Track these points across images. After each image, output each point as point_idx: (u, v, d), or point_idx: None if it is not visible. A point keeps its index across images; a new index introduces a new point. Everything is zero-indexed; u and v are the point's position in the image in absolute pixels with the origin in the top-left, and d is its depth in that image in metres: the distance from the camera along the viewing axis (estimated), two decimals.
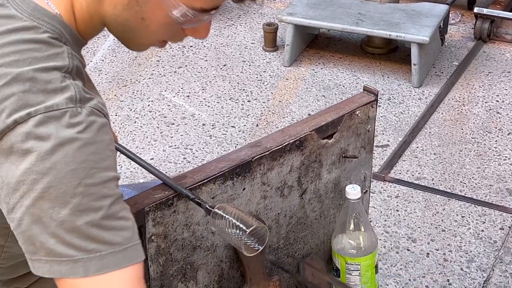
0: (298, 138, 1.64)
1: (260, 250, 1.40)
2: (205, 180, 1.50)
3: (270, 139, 1.63)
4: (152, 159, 3.09)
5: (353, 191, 1.73)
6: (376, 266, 1.83)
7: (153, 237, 1.46)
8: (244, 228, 1.36)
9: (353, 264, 1.78)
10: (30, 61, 1.04)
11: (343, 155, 1.76)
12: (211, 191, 1.52)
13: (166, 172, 2.82)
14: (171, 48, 3.97)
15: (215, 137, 3.22)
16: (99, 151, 1.07)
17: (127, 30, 1.18)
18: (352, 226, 1.78)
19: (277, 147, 1.61)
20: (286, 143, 1.62)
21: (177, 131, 3.29)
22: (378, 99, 3.45)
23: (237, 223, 1.37)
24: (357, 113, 1.75)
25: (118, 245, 1.06)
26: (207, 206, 1.42)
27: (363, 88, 1.82)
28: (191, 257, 1.55)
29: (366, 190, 1.89)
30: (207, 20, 1.18)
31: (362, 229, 1.78)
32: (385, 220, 2.75)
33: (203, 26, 1.19)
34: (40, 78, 1.04)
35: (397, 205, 2.83)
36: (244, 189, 1.58)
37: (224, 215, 1.38)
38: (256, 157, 1.57)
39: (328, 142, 1.71)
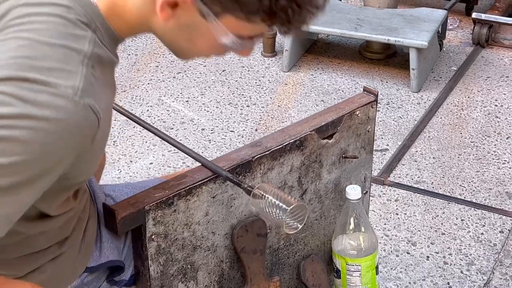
0: (298, 138, 1.64)
1: (300, 228, 1.42)
2: (206, 180, 1.50)
3: (270, 139, 1.63)
4: (151, 163, 3.08)
5: (353, 192, 1.73)
6: (377, 267, 1.83)
7: (153, 237, 1.46)
8: (285, 207, 1.39)
9: (353, 265, 1.78)
10: (52, 33, 1.08)
11: (343, 155, 1.76)
12: (211, 190, 1.52)
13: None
14: (169, 53, 3.94)
15: (214, 141, 3.22)
16: (53, 150, 1.07)
17: (175, 45, 1.23)
18: (352, 227, 1.78)
19: (278, 147, 1.61)
20: (287, 143, 1.62)
21: (176, 135, 3.28)
22: (378, 104, 3.47)
23: (278, 202, 1.39)
24: (357, 113, 1.75)
25: None
26: (247, 186, 1.45)
27: (363, 88, 1.82)
28: (192, 257, 1.54)
29: (366, 191, 1.89)
30: (251, 45, 1.22)
31: (363, 230, 1.78)
32: (385, 224, 2.74)
33: (247, 49, 1.23)
34: (53, 52, 1.07)
35: (397, 209, 2.83)
36: None
37: (264, 194, 1.41)
38: (256, 157, 1.58)
39: (328, 142, 1.71)
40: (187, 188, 1.47)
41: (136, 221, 1.43)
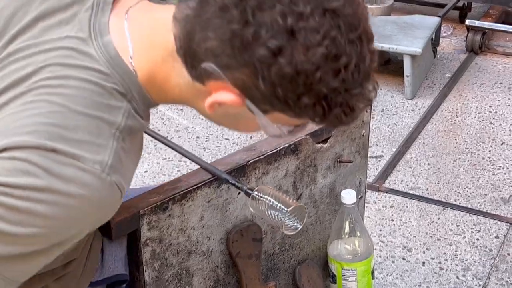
0: (293, 142, 1.64)
1: (299, 228, 1.43)
2: (200, 184, 1.50)
3: (265, 143, 1.63)
4: (146, 171, 3.08)
5: (348, 196, 1.73)
6: (373, 272, 1.83)
7: (148, 242, 1.45)
8: (284, 208, 1.40)
9: (349, 270, 1.78)
10: (87, 102, 1.05)
11: (338, 160, 1.76)
12: (206, 195, 1.51)
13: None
14: None
15: (209, 149, 3.21)
16: (74, 225, 1.06)
17: (214, 121, 1.20)
18: (347, 232, 1.78)
19: (272, 151, 1.61)
20: (281, 147, 1.62)
21: None
22: (372, 111, 3.47)
23: (277, 204, 1.40)
24: None
25: None
26: (246, 189, 1.46)
27: None
28: (187, 262, 1.54)
29: (362, 196, 1.89)
30: (297, 132, 1.21)
31: (358, 234, 1.78)
32: (380, 230, 2.74)
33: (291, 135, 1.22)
34: (85, 123, 1.04)
35: (392, 215, 2.82)
36: (239, 193, 1.57)
37: (263, 196, 1.42)
38: (251, 161, 1.57)
39: (323, 146, 1.71)
40: (182, 192, 1.47)
41: (130, 226, 1.42)
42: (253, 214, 1.62)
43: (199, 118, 3.45)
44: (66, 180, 1.00)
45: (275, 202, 1.40)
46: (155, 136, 1.67)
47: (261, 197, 1.42)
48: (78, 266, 1.39)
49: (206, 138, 3.30)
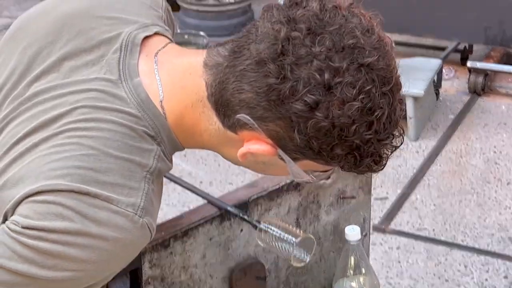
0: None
1: (308, 260, 1.44)
2: (202, 221, 1.49)
3: (266, 179, 1.62)
4: None
5: (352, 232, 1.70)
6: None
7: (149, 280, 1.44)
8: (292, 239, 1.40)
9: None
10: (119, 145, 1.06)
11: (341, 196, 1.74)
12: (208, 232, 1.50)
13: None
14: None
15: (213, 194, 3.20)
16: (106, 267, 1.07)
17: (239, 164, 1.19)
18: (353, 269, 1.75)
19: (274, 187, 1.60)
20: (283, 183, 1.61)
21: (174, 189, 3.26)
22: None
23: (285, 235, 1.41)
24: None
25: None
26: (253, 222, 1.47)
27: None
28: None
29: (366, 233, 1.87)
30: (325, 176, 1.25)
31: (363, 272, 1.75)
32: (387, 272, 2.72)
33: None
34: (118, 166, 1.05)
35: (399, 256, 2.80)
36: (241, 230, 1.56)
37: (271, 228, 1.43)
38: (253, 198, 1.56)
39: (326, 182, 1.69)
40: (184, 229, 1.46)
41: (132, 264, 1.40)
42: (256, 252, 1.61)
43: (202, 163, 3.46)
44: (100, 223, 1.01)
45: (283, 234, 1.41)
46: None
47: (269, 229, 1.43)
48: None
49: (210, 183, 3.30)
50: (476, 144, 3.58)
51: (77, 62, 1.14)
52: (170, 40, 1.21)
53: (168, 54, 1.16)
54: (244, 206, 1.55)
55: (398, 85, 1.09)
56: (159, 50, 1.16)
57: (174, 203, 3.16)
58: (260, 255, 1.62)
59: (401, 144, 1.11)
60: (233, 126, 1.09)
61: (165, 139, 1.11)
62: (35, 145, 1.06)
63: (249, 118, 1.05)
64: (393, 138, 1.08)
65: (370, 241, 2.75)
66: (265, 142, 1.07)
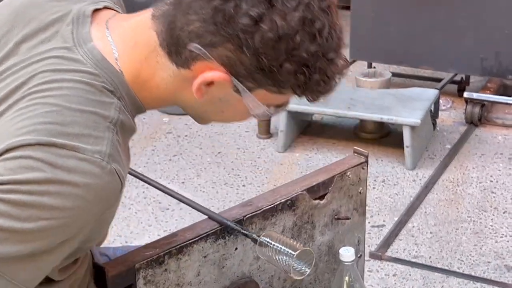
0: (289, 197, 1.64)
1: (308, 272, 1.44)
2: (196, 238, 1.49)
3: (261, 198, 1.63)
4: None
5: (347, 253, 1.70)
6: None
7: None
8: (291, 252, 1.41)
9: None
10: (80, 100, 1.11)
11: (336, 216, 1.75)
12: (203, 249, 1.50)
13: None
14: (166, 138, 4.01)
15: None
16: (79, 215, 1.08)
17: (201, 115, 1.27)
18: None
19: (269, 206, 1.60)
20: (278, 202, 1.61)
21: (172, 216, 3.28)
22: (373, 181, 3.48)
23: (284, 249, 1.42)
24: (348, 174, 1.75)
25: None
26: (253, 235, 1.48)
27: (353, 150, 1.83)
28: None
29: (361, 254, 1.87)
30: (280, 111, 1.28)
31: None
32: None
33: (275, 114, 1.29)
34: (81, 118, 1.09)
35: (395, 284, 2.80)
36: (236, 248, 1.56)
37: (270, 242, 1.44)
38: (247, 216, 1.57)
39: (320, 202, 1.71)
40: (178, 246, 1.46)
41: (126, 280, 1.41)
42: (250, 271, 1.61)
43: (201, 191, 3.47)
44: (70, 171, 1.05)
45: (282, 247, 1.42)
46: (163, 189, 1.71)
47: (269, 242, 1.44)
48: None
49: (209, 207, 3.29)
50: (473, 173, 3.59)
51: (34, 41, 1.20)
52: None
53: (118, 20, 1.23)
54: (239, 224, 1.56)
55: (336, 10, 1.17)
56: (109, 18, 1.23)
57: (171, 229, 3.15)
58: (255, 274, 1.62)
59: (347, 68, 1.19)
60: (186, 62, 1.15)
61: (124, 95, 1.17)
62: (1, 113, 1.12)
63: (200, 47, 1.12)
64: (338, 58, 1.16)
65: (367, 268, 2.76)
66: (218, 69, 1.13)
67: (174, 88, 1.20)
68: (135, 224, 3.22)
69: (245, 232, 1.50)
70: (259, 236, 1.46)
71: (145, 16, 1.19)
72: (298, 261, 1.42)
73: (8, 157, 1.05)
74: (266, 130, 3.97)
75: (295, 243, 1.43)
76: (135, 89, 1.19)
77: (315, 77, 1.13)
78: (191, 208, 3.36)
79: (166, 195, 3.35)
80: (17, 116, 1.09)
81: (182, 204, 3.28)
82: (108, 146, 1.10)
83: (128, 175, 1.81)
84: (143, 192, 3.47)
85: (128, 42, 1.19)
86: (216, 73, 1.14)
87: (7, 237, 1.03)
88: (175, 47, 1.15)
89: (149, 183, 1.70)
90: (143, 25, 1.18)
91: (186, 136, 4.02)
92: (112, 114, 1.13)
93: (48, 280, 1.26)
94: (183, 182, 3.55)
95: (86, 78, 1.13)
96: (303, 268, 1.44)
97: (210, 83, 1.15)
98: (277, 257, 1.43)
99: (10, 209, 1.02)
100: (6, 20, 1.24)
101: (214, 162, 3.75)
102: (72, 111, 1.09)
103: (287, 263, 1.42)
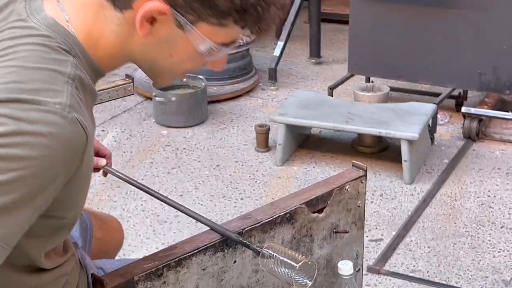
0: (288, 211, 1.64)
1: (310, 284, 1.45)
2: (195, 251, 1.49)
3: (260, 212, 1.63)
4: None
5: (345, 267, 1.71)
6: None
7: None
8: (293, 264, 1.43)
9: None
10: (36, 59, 1.16)
11: (334, 230, 1.76)
12: (201, 262, 1.50)
13: None
14: (164, 150, 4.01)
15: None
16: (48, 164, 1.11)
17: (155, 65, 1.30)
18: None
19: (268, 219, 1.61)
20: (277, 216, 1.62)
21: (170, 228, 3.28)
22: (371, 195, 3.48)
23: (286, 260, 1.44)
24: (347, 187, 1.76)
25: None
26: (255, 247, 1.50)
27: (352, 164, 1.84)
28: None
29: (359, 268, 1.88)
30: (226, 53, 1.30)
31: None
32: None
33: (221, 59, 1.33)
34: (39, 75, 1.14)
35: None
36: (235, 261, 1.56)
37: (273, 254, 1.46)
38: (246, 229, 1.57)
39: (319, 216, 1.71)
40: (177, 259, 1.47)
41: None
42: (249, 284, 1.61)
43: (199, 203, 3.46)
44: (33, 122, 1.09)
45: (284, 259, 1.44)
46: (165, 200, 1.72)
47: (271, 254, 1.46)
48: None
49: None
50: (471, 188, 3.60)
51: None
52: None
53: None
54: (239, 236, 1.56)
55: None
56: None
57: (169, 242, 3.15)
58: (254, 287, 1.62)
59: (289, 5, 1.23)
60: (127, 1, 1.20)
61: (80, 55, 1.22)
62: None
63: None
64: None
65: (365, 282, 2.76)
66: (156, 1, 1.18)
67: (123, 37, 1.24)
68: (133, 237, 3.21)
69: (248, 243, 1.51)
70: (261, 248, 1.47)
71: None
72: (300, 273, 1.44)
73: None
74: (264, 144, 3.97)
75: (297, 255, 1.45)
76: (91, 51, 1.24)
77: (251, 1, 1.18)
78: (189, 221, 3.39)
79: (164, 208, 3.35)
80: None
81: (180, 217, 3.32)
82: (68, 98, 1.14)
83: (133, 187, 1.85)
84: (141, 204, 3.47)
85: (77, 5, 1.24)
86: (155, 3, 1.18)
87: None
88: None
89: (153, 195, 1.71)
90: None
91: (184, 149, 4.03)
92: (69, 71, 1.18)
93: (37, 269, 1.29)
94: (181, 195, 3.54)
95: (40, 40, 1.18)
96: (304, 280, 1.45)
97: (153, 20, 1.20)
98: (279, 269, 1.45)
99: None
100: None
101: (212, 175, 3.75)
102: (30, 69, 1.14)
103: (289, 275, 1.43)
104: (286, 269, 1.43)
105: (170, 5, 1.19)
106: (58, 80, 1.15)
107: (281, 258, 1.44)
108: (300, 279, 1.44)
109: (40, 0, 1.25)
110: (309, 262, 1.45)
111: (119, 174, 1.78)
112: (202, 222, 1.61)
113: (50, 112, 1.11)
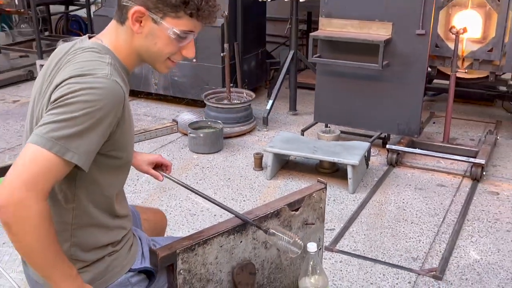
0: (276, 209, 1.64)
1: (299, 253, 1.52)
2: (216, 234, 1.49)
3: (258, 210, 1.63)
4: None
5: (311, 246, 1.70)
6: None
7: (181, 271, 1.43)
8: (289, 240, 1.50)
9: None
10: (88, 57, 1.29)
11: (305, 222, 1.75)
12: (220, 242, 1.50)
13: None
14: (194, 168, 3.99)
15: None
16: (102, 105, 1.20)
17: (148, 53, 1.36)
18: (311, 271, 1.74)
19: (263, 214, 1.60)
20: (269, 212, 1.62)
21: (197, 219, 3.26)
22: (326, 200, 3.45)
23: (285, 237, 1.51)
24: (314, 195, 1.76)
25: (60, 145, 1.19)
26: (265, 228, 1.54)
27: (317, 180, 1.84)
28: (206, 287, 1.50)
29: (321, 248, 1.87)
30: (190, 40, 1.35)
31: (318, 272, 1.74)
32: (333, 277, 2.68)
33: (189, 46, 1.36)
34: (92, 64, 1.27)
35: (341, 267, 2.77)
36: (241, 241, 1.56)
37: (276, 233, 1.52)
38: (251, 220, 1.57)
39: (296, 213, 1.71)
40: (204, 239, 1.46)
41: (171, 259, 1.41)
42: (249, 256, 1.60)
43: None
44: (90, 82, 1.22)
45: (283, 236, 1.49)
46: (201, 194, 1.69)
47: (275, 233, 1.50)
48: (123, 251, 1.38)
49: (220, 215, 3.28)
50: (391, 197, 3.58)
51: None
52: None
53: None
54: (243, 226, 1.55)
55: None
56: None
57: (197, 228, 3.13)
58: (253, 258, 1.62)
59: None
60: (125, 14, 1.30)
61: (112, 57, 1.33)
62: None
63: (126, 0, 1.29)
64: None
65: (324, 257, 2.74)
66: (137, 7, 1.28)
67: (129, 40, 1.33)
68: (173, 225, 3.19)
69: (260, 226, 1.52)
70: (269, 229, 1.50)
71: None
72: (293, 245, 1.49)
73: (59, 87, 1.24)
74: (259, 165, 3.96)
75: (292, 234, 1.49)
76: (117, 54, 1.34)
77: None
78: (210, 214, 3.34)
79: (194, 205, 3.30)
80: (61, 72, 1.29)
81: (204, 212, 3.29)
82: (109, 71, 1.25)
83: (176, 189, 1.83)
84: (179, 203, 3.45)
85: (106, 32, 1.38)
86: (136, 8, 1.28)
87: (67, 124, 1.17)
88: (119, 12, 1.31)
89: (198, 194, 1.69)
90: (110, 23, 1.39)
91: (208, 167, 4.01)
92: (108, 61, 1.29)
93: (110, 213, 1.34)
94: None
95: (90, 50, 1.32)
96: (295, 250, 1.49)
97: (140, 22, 1.28)
98: (280, 242, 1.49)
99: (64, 109, 1.18)
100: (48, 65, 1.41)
101: (225, 185, 3.74)
102: (86, 62, 1.27)
103: (286, 246, 1.48)
104: (285, 243, 1.48)
105: (146, 8, 1.26)
106: (102, 64, 1.27)
107: (282, 236, 1.49)
108: (293, 249, 1.49)
109: (88, 39, 1.38)
110: (298, 240, 1.49)
111: (175, 179, 1.73)
112: (231, 212, 1.59)
113: (100, 77, 1.22)
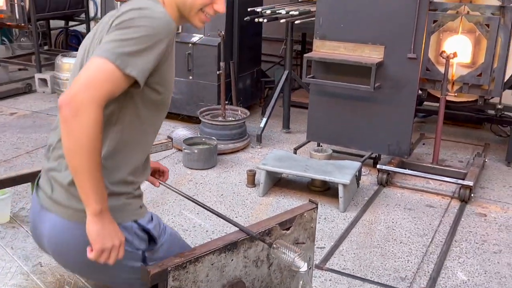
0: (267, 228, 1.63)
1: (302, 267, 1.51)
2: (208, 252, 1.48)
3: (250, 228, 1.62)
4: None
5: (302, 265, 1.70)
6: None
7: None
8: (292, 254, 1.49)
9: None
10: (146, 2, 1.39)
11: (296, 241, 1.75)
12: (211, 259, 1.49)
13: None
14: (188, 184, 3.98)
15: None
16: (158, 30, 1.33)
17: (184, 4, 1.48)
18: None
19: (255, 234, 1.60)
20: (260, 231, 1.61)
21: (189, 234, 3.23)
22: (317, 219, 3.44)
23: (287, 252, 1.50)
24: (305, 214, 1.76)
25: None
26: (269, 242, 1.55)
27: (308, 200, 1.83)
28: None
29: (310, 267, 1.86)
30: None
31: None
32: None
33: (220, 1, 1.49)
34: (149, 3, 1.39)
35: (330, 286, 2.75)
36: (232, 259, 1.55)
37: (280, 247, 1.52)
38: (240, 239, 1.56)
39: (287, 232, 1.70)
40: (196, 257, 1.45)
41: (162, 277, 1.40)
42: (240, 275, 1.59)
43: (209, 219, 3.43)
44: (150, 12, 1.35)
45: (287, 251, 1.49)
46: (201, 204, 1.69)
47: (278, 247, 1.50)
48: (139, 201, 1.49)
49: (212, 231, 3.26)
50: (381, 216, 3.58)
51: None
52: None
53: None
54: (234, 244, 1.54)
55: None
56: None
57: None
58: (243, 276, 1.61)
59: None
60: None
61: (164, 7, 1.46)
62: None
63: None
64: None
65: (313, 273, 2.72)
66: None
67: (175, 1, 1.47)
68: None
69: (264, 239, 1.53)
70: (272, 243, 1.50)
71: None
72: (296, 260, 1.49)
73: (120, 15, 1.35)
74: (252, 182, 3.95)
75: (296, 249, 1.48)
76: (168, 9, 1.45)
77: None
78: (201, 230, 3.31)
79: (186, 222, 3.27)
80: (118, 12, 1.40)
81: (196, 227, 3.27)
82: (164, 9, 1.37)
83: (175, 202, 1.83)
84: (172, 219, 3.42)
85: None
86: None
87: (128, 43, 1.29)
88: None
89: (189, 198, 1.69)
90: None
91: (201, 183, 4.00)
92: (161, 5, 1.42)
93: (136, 108, 1.42)
94: (197, 213, 3.51)
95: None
96: (300, 264, 1.50)
97: None
98: (283, 256, 1.48)
99: (126, 31, 1.30)
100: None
101: (218, 201, 3.72)
102: (144, 1, 1.38)
103: (290, 260, 1.48)
104: (288, 257, 1.48)
105: None
106: (158, 5, 1.39)
107: (285, 250, 1.48)
108: (296, 263, 1.48)
109: None
110: (302, 253, 1.49)
111: (172, 187, 1.74)
112: (235, 225, 1.60)
113: (157, 12, 1.35)
